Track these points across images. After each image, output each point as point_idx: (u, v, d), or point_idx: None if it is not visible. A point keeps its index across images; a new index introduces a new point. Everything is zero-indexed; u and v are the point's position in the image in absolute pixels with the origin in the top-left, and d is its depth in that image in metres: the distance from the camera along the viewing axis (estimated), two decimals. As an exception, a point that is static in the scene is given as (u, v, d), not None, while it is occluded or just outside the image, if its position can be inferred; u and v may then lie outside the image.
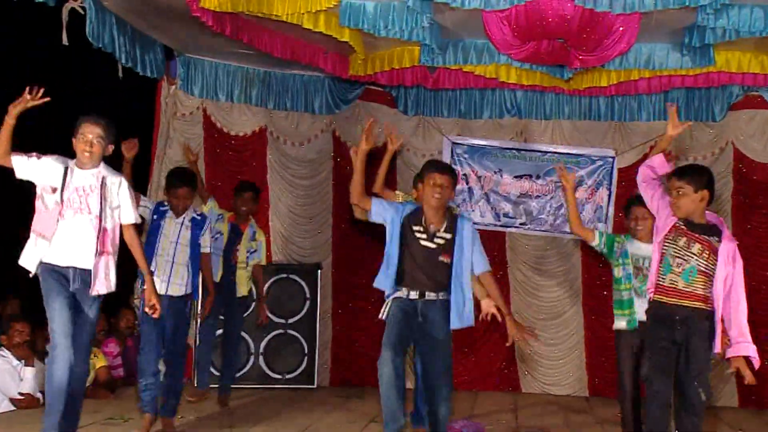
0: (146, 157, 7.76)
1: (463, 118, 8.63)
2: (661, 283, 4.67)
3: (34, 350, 6.78)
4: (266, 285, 7.81)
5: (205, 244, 5.86)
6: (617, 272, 5.52)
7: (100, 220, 4.70)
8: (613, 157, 8.42)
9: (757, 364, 4.56)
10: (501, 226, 8.63)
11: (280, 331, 7.93)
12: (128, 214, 4.86)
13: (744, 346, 4.55)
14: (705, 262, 4.60)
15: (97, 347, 7.21)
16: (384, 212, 4.90)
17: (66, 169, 4.69)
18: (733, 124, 8.23)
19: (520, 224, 8.61)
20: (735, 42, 6.43)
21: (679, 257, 4.63)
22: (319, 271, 8.16)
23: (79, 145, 4.72)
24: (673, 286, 4.63)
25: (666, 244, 4.66)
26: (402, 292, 4.80)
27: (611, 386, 8.00)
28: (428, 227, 4.82)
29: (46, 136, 4.75)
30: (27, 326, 6.76)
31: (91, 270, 4.68)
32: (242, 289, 6.97)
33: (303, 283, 8.04)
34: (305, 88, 8.45)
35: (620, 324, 5.50)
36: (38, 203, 4.73)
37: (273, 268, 8.00)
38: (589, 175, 8.45)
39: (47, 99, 4.62)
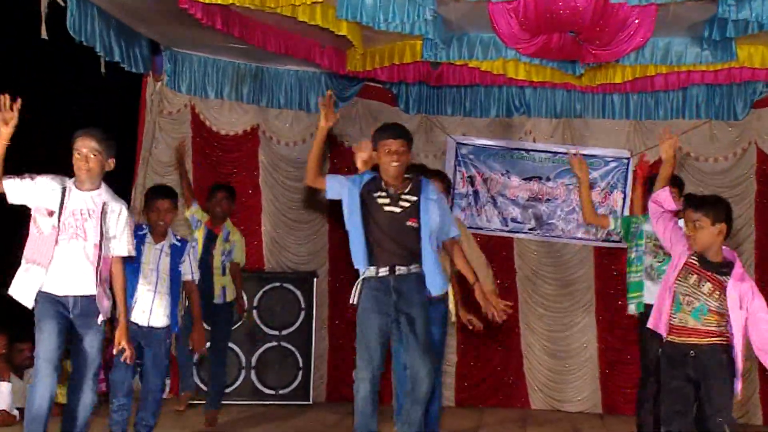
0: (130, 158, 7.77)
1: (468, 117, 8.63)
2: (672, 322, 4.70)
3: (12, 365, 6.77)
4: (258, 294, 7.80)
5: (187, 271, 5.78)
6: (630, 253, 5.68)
7: (100, 249, 4.70)
8: (628, 159, 8.42)
9: None
10: (509, 231, 8.62)
11: (273, 343, 7.92)
12: (122, 247, 4.85)
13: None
14: (716, 303, 4.61)
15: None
16: (339, 186, 4.89)
17: (64, 189, 4.67)
18: (756, 123, 8.22)
19: (529, 230, 8.60)
20: (758, 35, 6.42)
21: (688, 296, 4.64)
22: (315, 279, 8.16)
23: (75, 162, 4.70)
24: (683, 324, 4.66)
25: (678, 282, 4.68)
26: (371, 271, 4.79)
27: (627, 403, 8.01)
28: (389, 191, 4.82)
29: (24, 136, 4.71)
30: (3, 338, 6.75)
31: (92, 296, 4.68)
32: (224, 295, 6.94)
33: (297, 293, 8.03)
34: (300, 84, 8.45)
35: (631, 308, 5.69)
36: (32, 227, 4.71)
37: (265, 277, 8.00)
38: (603, 177, 8.44)
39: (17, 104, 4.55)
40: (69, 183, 4.72)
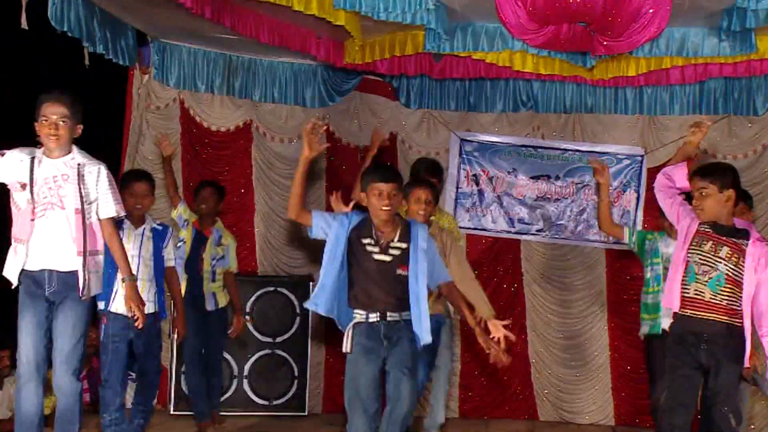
0: (116, 155, 7.76)
1: (472, 112, 8.62)
2: (686, 294, 4.70)
3: None
4: (251, 299, 7.79)
5: (169, 256, 5.86)
6: (646, 272, 5.67)
7: (83, 215, 4.63)
8: (642, 156, 8.41)
9: None
10: (515, 233, 8.61)
11: (267, 351, 7.90)
12: (107, 207, 4.76)
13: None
14: (734, 267, 4.62)
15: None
16: (326, 226, 4.84)
17: (32, 159, 4.62)
18: (777, 118, 8.23)
19: (537, 231, 8.59)
20: (779, 26, 6.43)
21: (705, 264, 4.66)
22: (311, 283, 8.13)
23: (42, 129, 4.64)
24: (700, 296, 4.66)
25: (690, 251, 4.69)
26: (361, 316, 4.78)
27: (640, 414, 8.00)
28: (379, 239, 4.79)
29: (3, 130, 4.71)
30: None
31: (71, 272, 4.62)
32: (215, 301, 6.95)
33: (292, 297, 8.01)
34: (295, 77, 8.44)
35: (644, 329, 5.68)
36: (12, 205, 4.68)
37: (259, 281, 7.98)
38: (615, 175, 8.42)
39: None
40: (38, 153, 4.67)
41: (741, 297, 4.62)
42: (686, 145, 5.17)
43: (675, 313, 4.79)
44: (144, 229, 5.67)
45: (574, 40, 6.65)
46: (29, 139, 4.77)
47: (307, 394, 7.98)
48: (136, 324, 4.92)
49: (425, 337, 4.76)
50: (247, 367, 7.84)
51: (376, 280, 4.76)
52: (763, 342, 4.63)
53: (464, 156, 8.60)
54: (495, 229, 8.58)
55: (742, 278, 4.62)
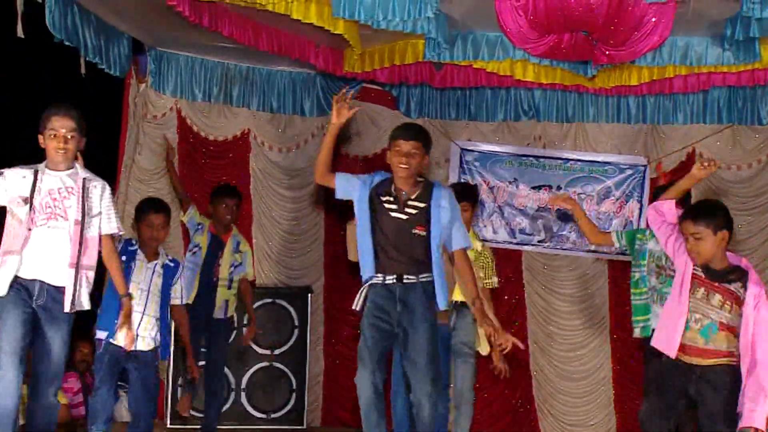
0: (112, 165, 7.74)
1: (473, 121, 8.62)
2: (681, 341, 4.66)
3: None
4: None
5: (177, 293, 5.76)
6: (633, 273, 5.70)
7: (81, 228, 4.64)
8: (645, 166, 8.40)
9: None
10: (516, 243, 8.60)
11: (265, 363, 7.89)
12: (111, 223, 4.80)
13: (749, 414, 4.40)
14: (728, 315, 4.57)
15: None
16: (349, 186, 4.85)
17: (36, 173, 4.64)
18: (782, 128, 8.23)
19: (539, 242, 8.59)
20: (784, 35, 6.43)
21: (696, 312, 4.60)
22: (310, 295, 8.14)
23: (50, 142, 4.65)
24: (692, 344, 4.61)
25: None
26: (378, 278, 4.73)
27: (643, 427, 7.98)
28: (398, 195, 4.76)
29: (0, 137, 4.72)
30: None
31: (61, 287, 4.62)
32: (226, 309, 6.85)
33: (291, 309, 8.01)
34: (294, 86, 8.44)
35: (636, 332, 5.77)
36: (9, 220, 4.67)
37: (257, 292, 7.94)
38: (618, 185, 8.43)
39: None
40: (41, 166, 4.68)
41: (738, 341, 4.57)
42: (689, 178, 5.12)
43: (670, 358, 4.75)
44: (156, 264, 5.60)
45: (576, 49, 6.65)
46: (25, 147, 4.77)
47: (305, 408, 7.96)
48: (126, 345, 4.88)
49: (441, 301, 4.73)
50: (244, 379, 7.82)
51: (393, 240, 4.71)
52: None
53: (465, 166, 8.60)
54: (496, 240, 8.56)
55: (736, 324, 4.55)
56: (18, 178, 4.64)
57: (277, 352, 7.92)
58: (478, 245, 6.28)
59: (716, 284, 4.58)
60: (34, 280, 4.61)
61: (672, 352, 4.65)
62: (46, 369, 4.64)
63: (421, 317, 4.70)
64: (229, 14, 6.63)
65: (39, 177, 4.64)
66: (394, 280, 4.71)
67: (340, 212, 8.46)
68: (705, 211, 4.63)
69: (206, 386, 6.94)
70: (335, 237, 8.49)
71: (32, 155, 4.81)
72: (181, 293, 5.80)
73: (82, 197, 4.66)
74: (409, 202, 4.75)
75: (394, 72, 7.47)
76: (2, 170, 4.68)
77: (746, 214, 8.07)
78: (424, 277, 4.73)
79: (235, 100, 8.32)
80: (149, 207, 5.74)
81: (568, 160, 8.54)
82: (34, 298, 4.62)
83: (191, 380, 6.66)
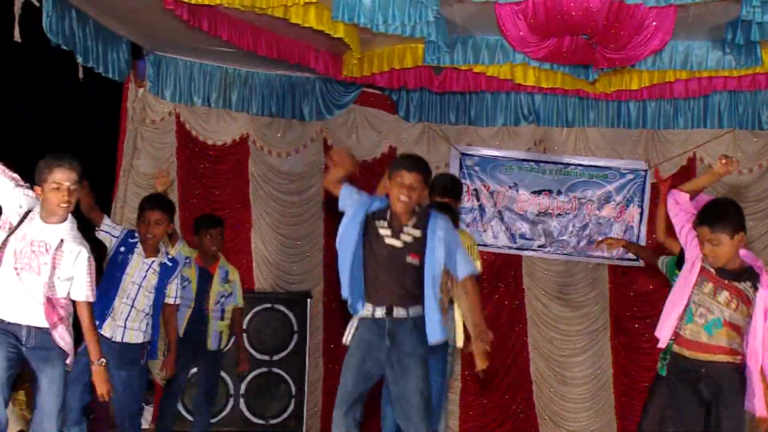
0: (110, 170, 7.73)
1: (473, 126, 8.61)
2: (680, 332, 4.63)
3: None
4: (248, 316, 7.73)
5: (171, 294, 5.77)
6: None
7: (50, 288, 4.59)
8: (646, 170, 8.39)
9: None
10: (517, 248, 8.59)
11: (264, 369, 7.86)
12: (80, 291, 4.69)
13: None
14: (733, 313, 4.54)
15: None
16: (350, 200, 4.81)
17: (27, 213, 4.59)
18: (783, 132, 8.21)
19: (539, 247, 8.58)
20: (785, 39, 6.41)
21: (702, 306, 4.57)
22: (309, 300, 8.11)
23: (51, 195, 4.55)
24: (695, 339, 4.59)
25: (693, 290, 4.62)
26: (367, 310, 4.70)
27: (644, 433, 7.96)
28: (393, 222, 4.72)
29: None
30: None
31: (47, 328, 4.60)
32: (219, 341, 6.82)
33: (290, 314, 7.98)
34: (293, 91, 8.42)
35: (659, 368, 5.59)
36: None
37: (256, 298, 7.94)
38: (618, 190, 8.42)
39: None
40: (36, 208, 4.63)
41: (742, 338, 4.56)
42: (711, 175, 5.06)
43: (672, 351, 4.72)
44: (153, 261, 5.61)
45: (576, 52, 6.64)
46: (22, 153, 4.74)
47: (304, 414, 7.94)
48: (100, 398, 4.84)
49: (433, 334, 4.66)
50: (243, 385, 7.79)
51: (385, 267, 4.67)
52: None
53: (465, 170, 8.59)
54: (496, 245, 8.56)
55: (741, 323, 4.53)
56: (17, 204, 4.62)
57: (276, 357, 7.89)
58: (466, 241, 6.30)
59: (726, 282, 4.57)
60: (20, 324, 4.59)
61: (664, 339, 4.63)
62: (46, 405, 4.63)
63: (411, 353, 4.65)
64: (228, 18, 6.61)
65: (28, 219, 4.59)
66: (384, 314, 4.67)
67: (340, 217, 8.44)
68: (721, 216, 4.59)
69: (195, 405, 6.92)
70: (335, 242, 8.45)
71: (28, 161, 4.77)
72: (176, 293, 5.81)
73: (54, 258, 4.58)
74: (405, 230, 4.71)
75: (394, 76, 7.45)
76: (20, 180, 4.67)
77: (747, 219, 7.99)
78: (413, 312, 4.68)
79: (234, 104, 8.30)
80: (146, 203, 5.78)
81: (568, 164, 8.53)
82: (23, 342, 4.59)
83: (165, 380, 6.63)
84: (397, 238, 4.70)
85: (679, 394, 4.67)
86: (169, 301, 5.77)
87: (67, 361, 4.69)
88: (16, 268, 4.56)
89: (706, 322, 4.58)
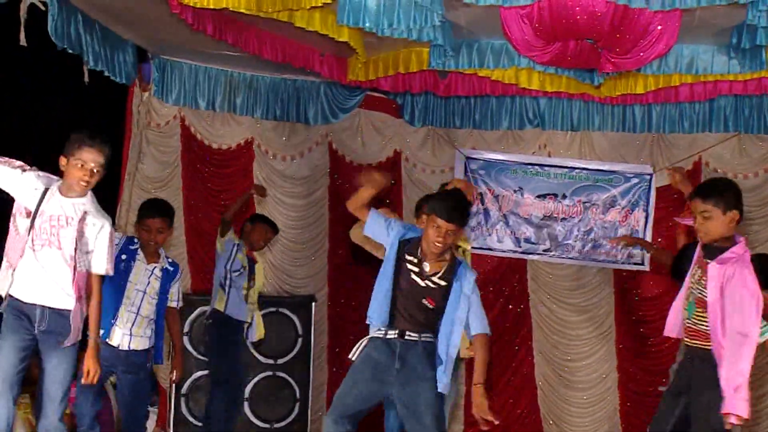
0: (115, 173, 7.74)
1: (478, 129, 8.62)
2: (686, 323, 4.60)
3: None
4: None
5: (174, 297, 5.77)
6: None
7: (75, 261, 4.57)
8: (651, 175, 8.39)
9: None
10: (521, 252, 8.59)
11: (268, 373, 7.86)
12: (101, 263, 4.69)
13: (730, 401, 4.24)
14: (701, 287, 4.46)
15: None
16: (380, 230, 4.79)
17: (45, 191, 4.58)
18: (789, 137, 8.20)
19: (544, 251, 8.57)
20: (790, 43, 6.40)
21: (692, 294, 4.54)
22: (314, 304, 8.11)
23: (74, 171, 4.55)
24: (686, 323, 4.56)
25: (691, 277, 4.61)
26: (380, 331, 4.67)
27: (649, 438, 7.94)
28: (422, 265, 4.67)
29: (1, 149, 4.67)
30: None
31: (65, 310, 4.57)
32: (261, 331, 7.10)
33: (294, 318, 7.98)
34: (298, 94, 8.43)
35: None
36: (11, 225, 4.63)
37: (260, 301, 7.92)
38: (623, 194, 8.41)
39: None
40: (54, 186, 4.62)
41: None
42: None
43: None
44: (155, 267, 5.61)
45: (581, 56, 6.64)
46: (24, 156, 4.74)
47: (309, 418, 7.94)
48: (84, 380, 4.78)
49: (445, 381, 4.62)
50: (248, 389, 7.77)
51: (405, 297, 4.65)
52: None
53: (469, 174, 8.59)
54: (501, 249, 8.56)
55: (705, 297, 4.42)
56: (30, 187, 4.59)
57: (280, 361, 7.89)
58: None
59: (707, 261, 4.45)
60: (34, 305, 4.56)
61: (676, 332, 4.61)
62: (51, 390, 4.60)
63: (422, 375, 4.62)
64: (233, 22, 6.62)
65: (47, 197, 4.58)
66: (396, 335, 4.64)
67: (344, 221, 8.45)
68: (715, 189, 4.49)
69: (214, 401, 6.91)
70: (340, 246, 8.48)
71: (33, 165, 4.77)
72: (178, 296, 5.81)
73: (78, 230, 4.57)
74: (432, 278, 4.67)
75: (399, 80, 7.45)
76: (26, 166, 4.64)
77: (752, 224, 8.04)
78: (426, 336, 4.66)
79: (239, 108, 8.31)
80: (147, 210, 5.76)
81: (573, 168, 8.52)
82: (36, 324, 4.56)
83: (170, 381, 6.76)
84: (421, 277, 4.68)
85: (668, 388, 4.66)
86: (172, 304, 5.76)
87: (67, 343, 4.62)
88: (33, 247, 4.54)
89: (688, 303, 4.53)
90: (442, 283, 4.67)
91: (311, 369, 7.99)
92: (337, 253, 8.57)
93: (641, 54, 6.47)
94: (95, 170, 4.59)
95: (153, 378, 6.12)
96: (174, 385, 7.24)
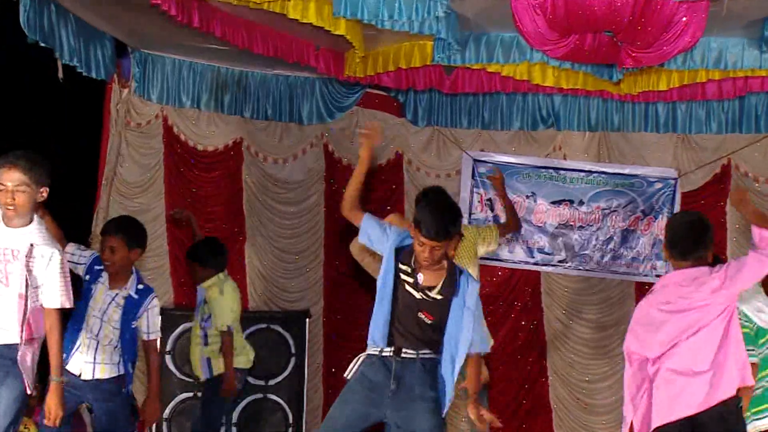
0: (92, 177, 7.75)
1: (486, 130, 8.66)
2: None
3: None
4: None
5: (144, 328, 5.53)
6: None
7: (25, 300, 4.53)
8: (676, 179, 8.41)
9: None
10: (535, 264, 8.61)
11: (259, 395, 7.85)
12: (53, 297, 4.61)
13: None
14: None
15: (28, 416, 7.16)
16: (375, 236, 4.77)
17: None
18: (825, 137, 8.23)
19: (559, 262, 8.59)
20: (827, 36, 6.44)
21: None
22: (308, 320, 8.11)
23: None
24: None
25: None
26: (377, 347, 4.65)
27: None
28: (416, 275, 4.64)
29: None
30: None
31: (13, 345, 4.52)
32: (209, 369, 6.81)
33: (287, 335, 7.98)
34: (290, 92, 8.46)
35: (756, 425, 5.42)
36: None
37: (250, 317, 7.92)
38: (645, 200, 8.43)
39: None
40: None
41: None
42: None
43: None
44: (117, 294, 5.44)
45: (599, 50, 6.66)
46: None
47: (302, 444, 7.96)
48: (46, 422, 4.72)
49: (446, 403, 4.61)
50: (236, 413, 7.75)
51: (402, 311, 4.63)
52: None
53: (477, 178, 8.61)
54: (512, 260, 8.57)
55: None
56: None
57: (271, 382, 7.88)
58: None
59: None
60: None
61: None
62: None
63: (420, 396, 4.59)
64: (220, 14, 6.64)
65: None
66: (392, 353, 4.62)
67: (341, 229, 8.47)
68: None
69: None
70: (336, 256, 8.49)
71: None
72: (150, 328, 5.55)
73: (26, 265, 4.53)
74: (428, 291, 4.63)
75: (401, 76, 7.48)
76: None
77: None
78: (425, 353, 4.63)
79: (226, 106, 8.32)
80: (105, 226, 5.67)
81: (591, 172, 8.54)
82: None
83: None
84: (416, 289, 4.65)
85: None
86: (144, 337, 5.55)
87: (27, 390, 4.58)
88: None
89: None
90: (439, 297, 4.63)
91: (305, 391, 7.98)
92: (333, 264, 8.58)
93: (665, 48, 6.50)
94: (17, 191, 4.51)
95: (133, 402, 6.07)
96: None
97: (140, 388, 7.72)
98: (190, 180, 8.32)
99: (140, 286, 5.55)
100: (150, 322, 5.56)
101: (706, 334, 4.63)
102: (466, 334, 4.62)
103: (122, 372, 5.47)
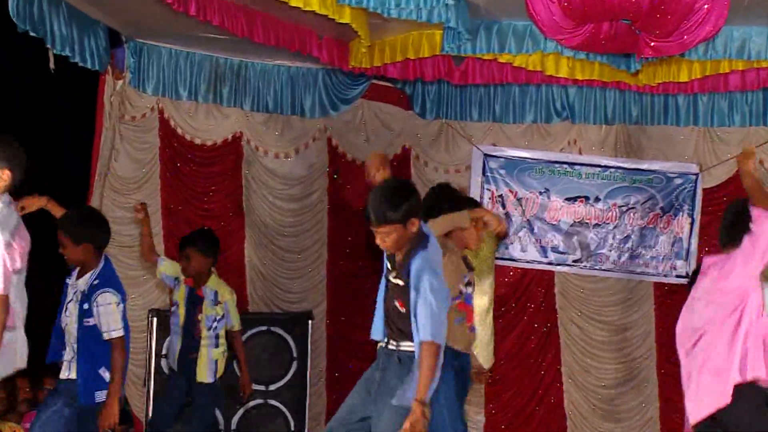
0: (85, 172, 7.75)
1: (498, 123, 8.64)
2: None
3: None
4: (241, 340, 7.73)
5: (102, 328, 5.27)
6: None
7: None
8: (697, 174, 8.39)
9: None
10: (548, 263, 8.60)
11: (259, 400, 7.83)
12: None
13: None
14: None
15: (17, 423, 7.18)
16: None
17: None
18: None
19: (574, 261, 8.57)
20: None
21: None
22: (310, 322, 8.09)
23: None
24: None
25: None
26: (379, 341, 4.87)
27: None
28: (391, 263, 4.78)
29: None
30: None
31: None
32: (204, 374, 6.71)
33: (288, 338, 7.96)
34: (292, 83, 8.46)
35: None
36: None
37: (249, 319, 7.90)
38: (665, 197, 8.40)
39: None
40: None
41: None
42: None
43: None
44: (78, 288, 5.35)
45: (617, 40, 6.63)
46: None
47: (305, 452, 7.94)
48: None
49: (409, 395, 4.51)
50: (235, 419, 7.76)
51: (387, 303, 4.78)
52: None
53: (488, 174, 8.59)
54: (525, 259, 8.56)
55: None
56: None
57: (272, 387, 7.87)
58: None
59: None
60: None
61: None
62: None
63: (390, 390, 4.63)
64: (219, 1, 6.62)
65: None
66: (384, 345, 4.80)
67: (345, 226, 8.44)
68: None
69: None
70: (340, 255, 8.47)
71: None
72: (102, 324, 5.28)
73: None
74: (391, 279, 4.75)
75: (408, 67, 7.46)
76: None
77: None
78: (404, 346, 4.67)
79: (225, 98, 8.33)
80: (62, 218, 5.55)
81: (607, 167, 8.52)
82: None
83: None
84: (388, 278, 4.79)
85: None
86: (108, 335, 5.30)
87: None
88: None
89: None
90: (400, 282, 4.69)
91: (307, 396, 7.97)
92: (337, 263, 8.58)
93: (685, 37, 6.48)
94: None
95: (127, 408, 6.01)
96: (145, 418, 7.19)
97: (135, 393, 7.78)
98: (187, 176, 8.33)
99: (96, 281, 5.37)
100: (101, 321, 5.28)
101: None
102: (414, 318, 4.60)
103: (73, 376, 5.30)
